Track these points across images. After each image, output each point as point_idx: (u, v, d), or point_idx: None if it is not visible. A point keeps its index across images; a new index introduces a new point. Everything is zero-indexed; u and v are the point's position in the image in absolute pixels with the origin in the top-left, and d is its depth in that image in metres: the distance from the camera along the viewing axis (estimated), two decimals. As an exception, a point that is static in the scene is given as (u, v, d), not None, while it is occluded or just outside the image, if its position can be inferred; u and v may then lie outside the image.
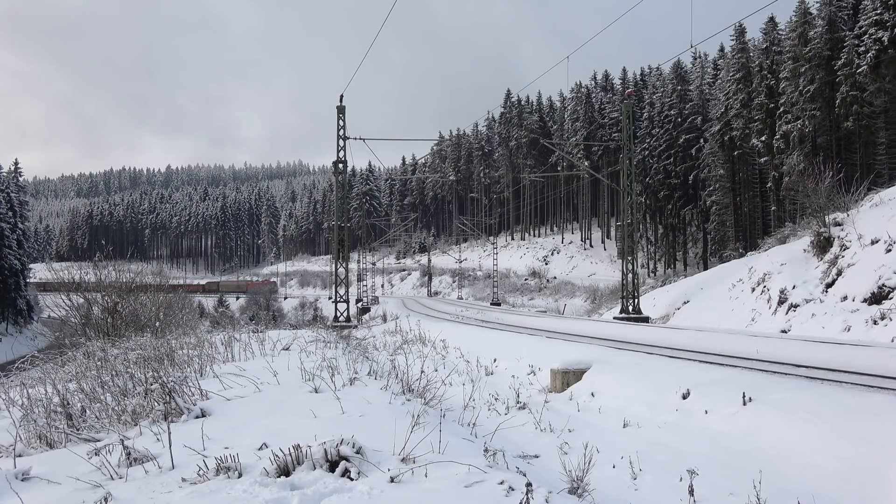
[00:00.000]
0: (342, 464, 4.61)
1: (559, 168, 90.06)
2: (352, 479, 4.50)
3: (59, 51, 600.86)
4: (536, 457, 6.85)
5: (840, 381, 9.07)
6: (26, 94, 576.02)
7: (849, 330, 18.17)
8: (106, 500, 4.26)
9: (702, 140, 62.56)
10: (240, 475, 4.55)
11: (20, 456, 5.81)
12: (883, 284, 18.19)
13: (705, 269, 52.69)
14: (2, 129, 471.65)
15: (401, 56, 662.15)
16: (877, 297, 18.23)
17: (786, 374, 10.02)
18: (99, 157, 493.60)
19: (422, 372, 9.27)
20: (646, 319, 31.35)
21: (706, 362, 11.68)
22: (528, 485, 4.20)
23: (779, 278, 23.72)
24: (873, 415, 6.96)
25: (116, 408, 7.23)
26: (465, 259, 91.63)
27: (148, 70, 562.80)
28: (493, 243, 73.00)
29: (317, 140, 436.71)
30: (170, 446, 5.05)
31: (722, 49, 71.77)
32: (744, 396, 8.05)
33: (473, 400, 9.20)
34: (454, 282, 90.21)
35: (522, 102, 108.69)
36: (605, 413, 9.17)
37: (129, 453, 5.11)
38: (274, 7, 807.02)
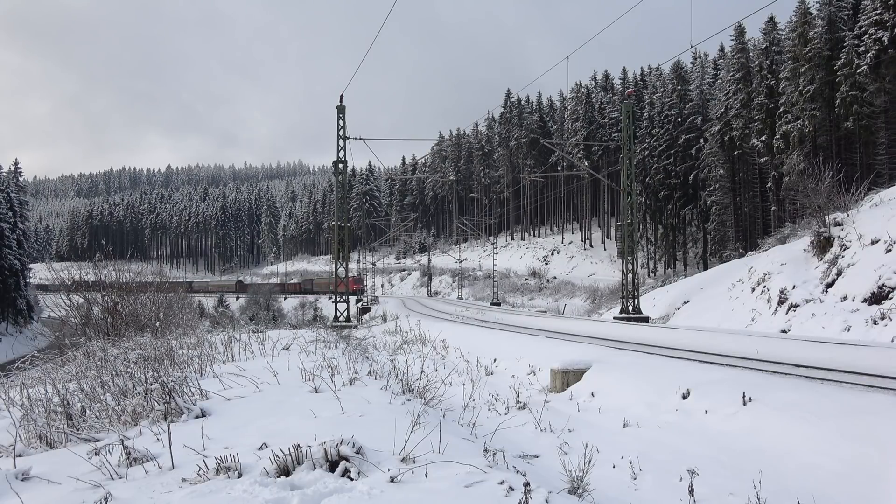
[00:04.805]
0: (342, 464, 4.62)
1: (559, 168, 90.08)
2: (352, 479, 4.50)
3: (63, 49, 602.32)
4: (536, 457, 6.85)
5: (840, 381, 9.06)
6: (30, 93, 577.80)
7: (849, 330, 18.17)
8: (106, 500, 4.26)
9: (702, 140, 62.58)
10: (240, 475, 4.55)
11: (20, 456, 5.81)
12: (883, 284, 18.19)
13: (705, 269, 52.69)
14: (6, 128, 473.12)
15: (405, 55, 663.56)
16: (877, 297, 18.23)
17: (786, 374, 10.02)
18: (103, 155, 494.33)
19: (422, 372, 9.27)
20: (646, 319, 31.35)
21: (706, 362, 11.68)
22: (527, 484, 4.20)
23: (779, 278, 23.72)
24: (873, 415, 6.96)
25: (116, 408, 7.22)
26: (465, 259, 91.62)
27: (153, 69, 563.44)
28: (493, 243, 73.00)
29: (321, 139, 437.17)
30: (170, 446, 5.05)
31: (722, 49, 71.79)
32: (744, 396, 8.05)
33: (473, 400, 9.19)
34: (454, 282, 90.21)
35: (522, 102, 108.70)
36: (605, 413, 9.17)
37: (129, 453, 5.11)
38: (280, 6, 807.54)
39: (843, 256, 21.00)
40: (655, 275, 69.14)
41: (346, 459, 4.64)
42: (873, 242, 20.05)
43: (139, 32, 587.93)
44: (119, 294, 20.05)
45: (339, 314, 31.97)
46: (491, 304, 60.28)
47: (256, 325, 21.44)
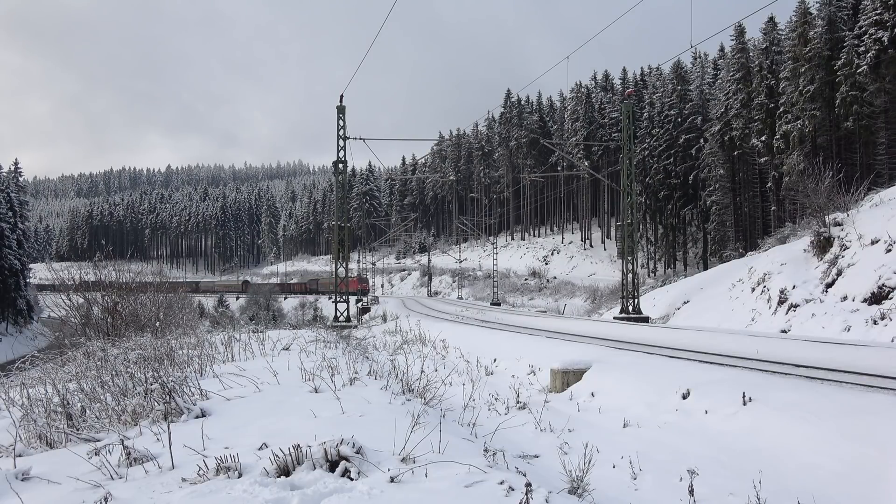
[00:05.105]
0: (342, 464, 4.61)
1: (559, 168, 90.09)
2: (352, 479, 4.50)
3: (63, 49, 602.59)
4: (536, 457, 6.85)
5: (840, 381, 9.07)
6: (30, 93, 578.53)
7: (849, 330, 18.17)
8: (106, 500, 4.26)
9: (702, 140, 62.57)
10: (240, 475, 4.55)
11: (20, 456, 5.81)
12: (883, 284, 18.19)
13: (705, 269, 52.69)
14: (6, 128, 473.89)
15: (405, 55, 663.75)
16: (877, 297, 18.23)
17: (786, 374, 10.02)
18: (103, 155, 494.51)
19: (422, 372, 9.27)
20: (646, 319, 31.35)
21: (706, 362, 11.68)
22: (528, 485, 4.20)
23: (779, 278, 23.72)
24: (873, 415, 6.96)
25: (116, 408, 7.22)
26: (465, 259, 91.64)
27: (153, 69, 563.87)
28: (493, 243, 73.00)
29: (321, 139, 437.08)
30: (170, 446, 5.05)
31: (722, 49, 71.80)
32: (744, 396, 8.05)
33: (473, 400, 9.19)
34: (454, 282, 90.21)
35: (522, 102, 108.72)
36: (605, 413, 9.17)
37: (129, 453, 5.11)
38: (281, 6, 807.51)
39: (843, 256, 21.00)
40: (655, 275, 69.14)
41: (346, 459, 4.64)
42: (873, 242, 20.05)
43: (139, 32, 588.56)
44: (119, 294, 20.05)
45: (339, 314, 31.97)
46: (491, 304, 60.28)
47: (256, 325, 21.43)
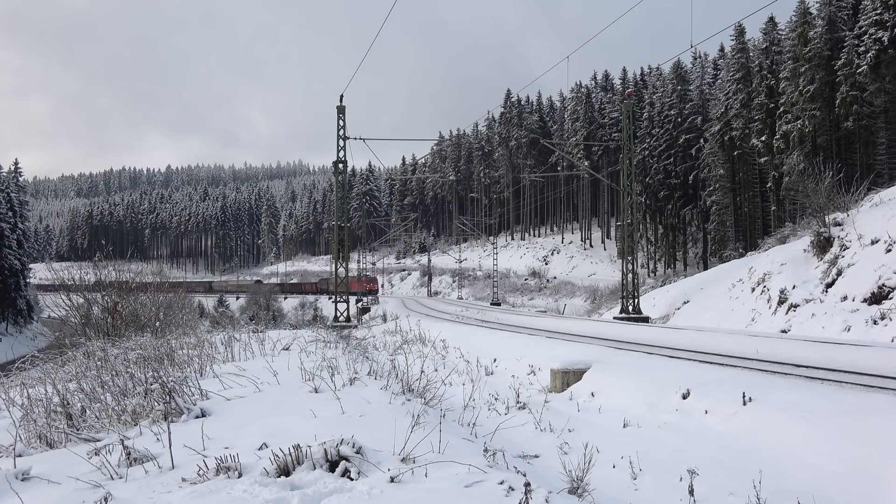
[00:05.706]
0: (342, 464, 4.62)
1: (559, 168, 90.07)
2: (352, 479, 4.50)
3: (63, 49, 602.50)
4: (536, 457, 6.85)
5: (840, 381, 9.07)
6: (30, 93, 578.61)
7: (849, 330, 18.17)
8: (106, 500, 4.26)
9: (702, 140, 62.58)
10: (240, 475, 4.55)
11: (20, 456, 5.81)
12: (883, 284, 18.19)
13: (705, 269, 52.69)
14: (6, 128, 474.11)
15: (405, 55, 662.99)
16: (877, 297, 18.23)
17: (786, 374, 10.02)
18: (103, 155, 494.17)
19: (422, 372, 9.27)
20: (646, 319, 31.35)
21: (706, 362, 11.68)
22: (527, 484, 4.20)
23: (779, 278, 23.72)
24: (873, 415, 6.96)
25: (116, 408, 7.22)
26: (465, 259, 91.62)
27: (153, 69, 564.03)
28: (493, 243, 73.01)
29: (321, 139, 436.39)
30: (170, 446, 5.05)
31: (722, 49, 71.80)
32: (744, 396, 8.05)
33: (473, 400, 9.19)
34: (454, 282, 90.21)
35: (522, 102, 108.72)
36: (605, 413, 9.17)
37: (129, 453, 5.11)
38: (281, 6, 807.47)
39: (843, 256, 21.00)
40: (655, 275, 69.14)
41: (346, 459, 4.64)
42: (873, 242, 20.05)
43: (139, 32, 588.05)
44: (119, 294, 20.04)
45: (339, 314, 31.97)
46: (491, 304, 60.27)
47: (256, 326, 21.43)
